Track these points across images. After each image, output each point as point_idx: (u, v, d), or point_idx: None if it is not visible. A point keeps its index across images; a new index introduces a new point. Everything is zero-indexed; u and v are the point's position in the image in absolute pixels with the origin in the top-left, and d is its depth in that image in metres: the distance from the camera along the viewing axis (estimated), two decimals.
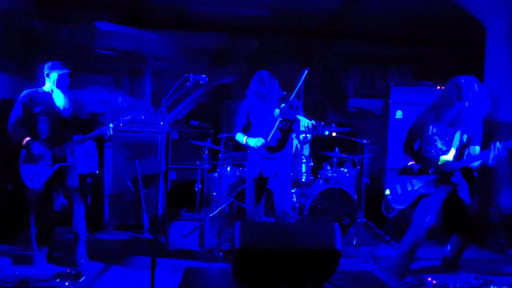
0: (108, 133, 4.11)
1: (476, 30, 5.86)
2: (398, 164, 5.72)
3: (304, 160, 5.68)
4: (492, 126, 5.22)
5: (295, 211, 5.37)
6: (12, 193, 5.12)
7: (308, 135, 3.76)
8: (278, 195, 4.20)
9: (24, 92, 4.10)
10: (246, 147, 4.36)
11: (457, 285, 3.79)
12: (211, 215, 4.97)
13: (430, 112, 3.90)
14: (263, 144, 4.07)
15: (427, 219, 3.71)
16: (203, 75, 3.62)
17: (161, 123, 3.61)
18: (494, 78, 5.59)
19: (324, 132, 3.70)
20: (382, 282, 3.73)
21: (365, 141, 5.65)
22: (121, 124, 4.20)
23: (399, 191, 3.92)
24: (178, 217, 4.88)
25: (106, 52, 6.84)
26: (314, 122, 3.70)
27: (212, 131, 6.96)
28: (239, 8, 6.96)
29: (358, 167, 6.06)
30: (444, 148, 3.79)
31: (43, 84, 4.16)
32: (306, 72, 3.96)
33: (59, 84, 4.09)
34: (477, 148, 3.70)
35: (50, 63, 4.11)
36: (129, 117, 4.20)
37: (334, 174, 5.89)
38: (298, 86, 4.06)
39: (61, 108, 4.09)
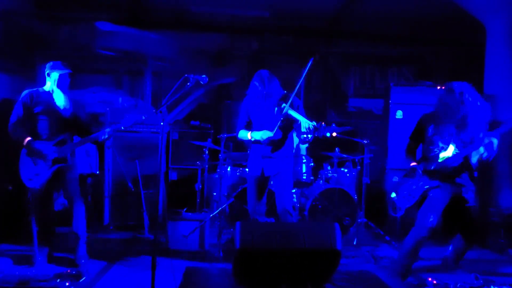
0: (102, 137, 4.11)
1: (476, 30, 5.86)
2: (398, 164, 5.74)
3: (304, 160, 5.68)
4: (492, 126, 5.21)
5: (295, 210, 5.37)
6: (12, 194, 5.12)
7: (309, 135, 3.75)
8: (279, 194, 4.20)
9: (25, 92, 4.09)
10: (246, 146, 4.35)
11: (458, 285, 3.79)
12: (211, 215, 4.97)
13: (430, 117, 3.92)
14: (269, 137, 4.05)
15: (430, 220, 3.71)
16: (203, 76, 3.62)
17: (162, 123, 3.61)
18: (494, 78, 5.59)
19: (326, 133, 3.71)
20: (382, 282, 3.73)
21: (365, 141, 5.65)
22: (122, 128, 4.21)
23: (404, 191, 3.93)
24: (179, 217, 4.89)
25: (106, 52, 6.83)
26: (315, 123, 3.70)
27: (212, 131, 6.96)
28: (239, 8, 6.96)
29: (359, 167, 6.06)
30: (446, 146, 3.80)
31: (44, 84, 4.16)
32: (311, 62, 3.90)
33: (59, 84, 4.09)
34: (481, 149, 3.69)
35: (51, 63, 4.11)
36: (130, 122, 4.19)
37: (335, 174, 5.89)
38: (303, 77, 4.00)
39: (62, 108, 4.09)
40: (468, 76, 6.31)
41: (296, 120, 3.91)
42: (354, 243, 5.27)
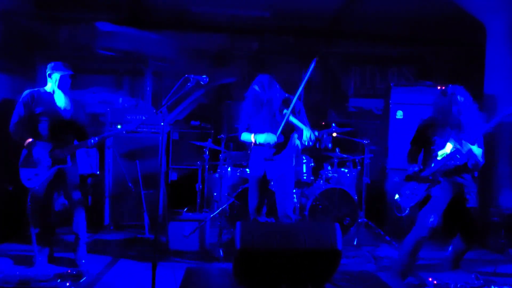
0: (90, 144, 4.11)
1: (477, 30, 5.86)
2: (398, 164, 5.74)
3: (304, 160, 5.68)
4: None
5: (295, 212, 5.37)
6: (13, 194, 5.12)
7: (310, 143, 3.78)
8: (280, 197, 4.19)
9: (26, 92, 4.09)
10: (247, 147, 4.35)
11: (458, 285, 3.79)
12: (212, 215, 4.97)
13: (428, 121, 3.98)
14: (274, 141, 4.05)
15: (431, 220, 3.72)
16: (204, 76, 3.62)
17: (162, 123, 3.62)
18: (494, 78, 5.59)
19: (328, 144, 3.74)
20: (382, 282, 3.74)
21: (365, 141, 5.65)
22: (124, 132, 4.22)
23: (407, 191, 3.95)
24: (179, 218, 4.89)
25: (107, 52, 6.83)
26: (317, 134, 3.71)
27: (212, 131, 6.97)
28: (240, 8, 6.96)
29: (359, 167, 6.07)
30: (444, 145, 3.82)
31: (44, 84, 4.17)
32: (313, 63, 3.91)
33: (60, 85, 4.09)
34: (479, 151, 3.73)
35: (52, 64, 4.11)
36: (128, 127, 4.23)
37: (335, 174, 5.89)
38: (306, 79, 3.98)
39: (62, 109, 4.09)
40: (468, 76, 6.34)
41: (298, 128, 3.93)
42: (355, 243, 5.27)
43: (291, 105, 3.96)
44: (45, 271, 3.95)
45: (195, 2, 6.82)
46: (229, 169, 5.66)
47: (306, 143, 3.81)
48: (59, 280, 3.70)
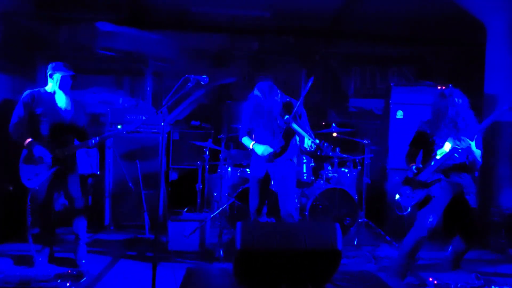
0: (90, 144, 4.12)
1: (477, 30, 5.86)
2: (399, 164, 5.74)
3: (305, 160, 5.68)
4: (492, 126, 5.21)
5: (297, 211, 5.37)
6: (13, 194, 5.12)
7: (312, 149, 3.82)
8: (283, 198, 4.21)
9: (26, 92, 4.09)
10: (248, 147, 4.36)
11: (459, 285, 3.79)
12: (212, 215, 4.97)
13: (427, 123, 4.00)
14: (270, 153, 4.12)
15: (430, 220, 3.73)
16: (204, 76, 3.62)
17: (162, 123, 3.62)
18: (494, 78, 5.58)
19: (328, 152, 3.78)
20: (383, 282, 3.73)
21: (366, 141, 5.65)
22: (125, 132, 4.23)
23: (407, 190, 3.95)
24: (179, 218, 4.89)
25: (107, 52, 6.83)
26: (318, 141, 3.74)
27: (213, 131, 6.97)
28: (240, 8, 6.96)
29: (359, 167, 6.07)
30: (443, 144, 3.83)
31: (45, 84, 4.17)
32: (310, 82, 3.97)
33: (62, 85, 4.09)
34: (478, 152, 3.74)
35: (53, 64, 4.11)
36: (128, 128, 4.24)
37: (335, 174, 5.89)
38: (302, 96, 4.09)
39: (63, 109, 4.09)
40: (468, 76, 6.34)
41: (300, 134, 3.96)
42: (355, 243, 5.27)
43: (293, 112, 4.01)
44: (46, 271, 3.96)
45: (195, 2, 6.82)
46: (229, 169, 5.66)
47: (308, 149, 3.85)
48: (59, 280, 3.70)
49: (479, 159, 3.77)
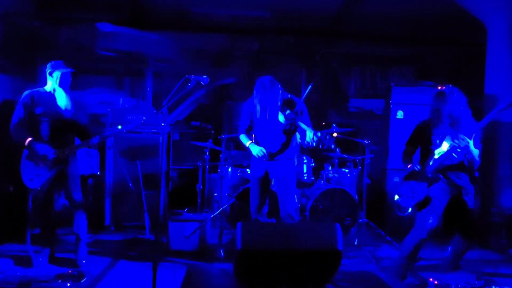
0: (92, 143, 4.12)
1: (477, 30, 5.85)
2: (399, 164, 5.73)
3: (305, 161, 5.68)
4: (492, 126, 5.21)
5: (296, 212, 5.37)
6: (13, 194, 5.12)
7: (313, 143, 3.82)
8: (282, 198, 4.21)
9: (26, 92, 4.08)
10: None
11: (459, 286, 3.79)
12: (212, 215, 4.97)
13: (426, 122, 4.00)
14: (264, 154, 4.13)
15: (430, 221, 3.73)
16: (204, 76, 3.62)
17: (162, 124, 3.62)
18: (495, 78, 5.58)
19: (330, 145, 3.79)
20: (383, 282, 3.72)
21: (366, 142, 5.65)
22: (125, 131, 4.23)
23: (407, 191, 3.95)
24: (180, 218, 4.89)
25: (107, 53, 6.84)
26: (319, 134, 3.74)
27: (213, 131, 6.97)
28: (240, 8, 6.96)
29: (359, 168, 6.06)
30: (441, 143, 3.83)
31: (45, 85, 4.16)
32: (309, 88, 4.02)
33: (61, 83, 4.07)
34: (476, 152, 3.74)
35: (52, 62, 4.10)
36: (129, 127, 4.24)
37: (335, 175, 5.89)
38: (302, 99, 4.11)
39: (63, 108, 4.08)
40: (468, 76, 6.34)
41: (301, 129, 3.96)
42: (355, 243, 5.27)
43: (295, 109, 4.00)
44: (46, 271, 3.96)
45: (195, 2, 6.82)
46: (229, 169, 5.66)
47: (310, 143, 3.84)
48: (60, 281, 3.70)
49: (477, 158, 3.76)
